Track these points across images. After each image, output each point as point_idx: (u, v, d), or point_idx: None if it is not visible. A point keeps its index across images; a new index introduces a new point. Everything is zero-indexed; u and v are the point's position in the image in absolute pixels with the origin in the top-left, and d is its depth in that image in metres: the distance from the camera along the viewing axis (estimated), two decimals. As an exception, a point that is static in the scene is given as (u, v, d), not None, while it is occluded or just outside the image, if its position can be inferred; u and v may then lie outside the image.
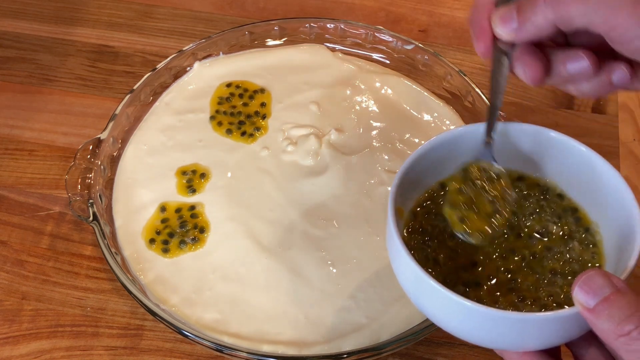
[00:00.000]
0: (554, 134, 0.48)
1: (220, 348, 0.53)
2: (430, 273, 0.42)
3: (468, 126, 0.50)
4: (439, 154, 0.49)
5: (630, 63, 0.44)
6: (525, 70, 0.45)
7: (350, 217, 0.61)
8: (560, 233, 0.48)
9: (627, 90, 0.46)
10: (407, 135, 0.67)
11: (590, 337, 0.42)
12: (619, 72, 0.44)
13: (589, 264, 0.47)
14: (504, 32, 0.44)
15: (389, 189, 0.62)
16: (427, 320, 0.54)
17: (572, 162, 0.48)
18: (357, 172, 0.64)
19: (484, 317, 0.41)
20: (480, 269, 0.47)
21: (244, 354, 0.53)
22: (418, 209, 0.49)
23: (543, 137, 0.48)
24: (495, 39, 0.45)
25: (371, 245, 0.59)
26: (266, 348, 0.54)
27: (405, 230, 0.48)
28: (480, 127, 0.48)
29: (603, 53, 0.44)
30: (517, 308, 0.45)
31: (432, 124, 0.68)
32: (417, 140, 0.66)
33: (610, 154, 0.70)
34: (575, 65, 0.45)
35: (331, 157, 0.65)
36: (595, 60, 0.44)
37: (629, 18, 0.41)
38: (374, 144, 0.66)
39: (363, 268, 0.58)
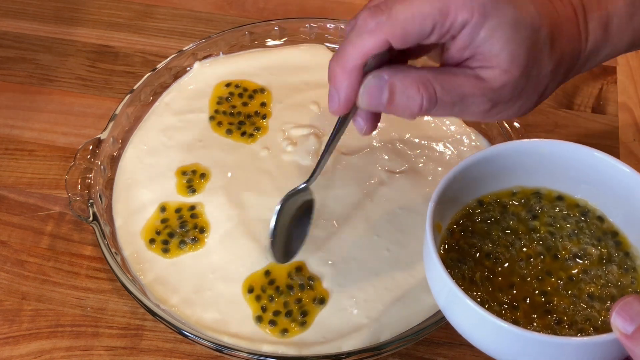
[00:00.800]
0: (597, 154, 0.48)
1: (220, 348, 0.53)
2: (466, 292, 0.42)
3: (508, 144, 0.49)
4: (479, 171, 0.48)
5: None
6: (363, 126, 0.49)
7: (350, 217, 0.61)
8: (599, 255, 0.48)
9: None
10: (407, 135, 0.67)
11: None
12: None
13: (629, 289, 0.46)
14: (369, 108, 0.45)
15: (390, 189, 0.63)
16: (427, 320, 0.54)
17: (613, 183, 0.48)
18: (357, 172, 0.64)
19: (520, 339, 0.40)
20: (515, 291, 0.46)
21: (244, 354, 0.52)
22: (455, 226, 0.49)
23: (583, 156, 0.48)
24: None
25: (371, 245, 0.59)
26: (266, 348, 0.54)
27: (441, 248, 0.48)
28: (521, 145, 0.49)
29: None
30: (553, 331, 0.44)
31: (432, 124, 0.68)
32: (417, 141, 0.66)
33: (610, 154, 0.70)
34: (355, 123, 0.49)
35: (331, 157, 0.65)
36: (370, 123, 0.48)
37: None
38: (374, 144, 0.66)
39: (363, 268, 0.58)
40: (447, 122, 0.68)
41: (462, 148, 0.66)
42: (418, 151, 0.66)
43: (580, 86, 0.77)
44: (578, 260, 0.48)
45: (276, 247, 0.55)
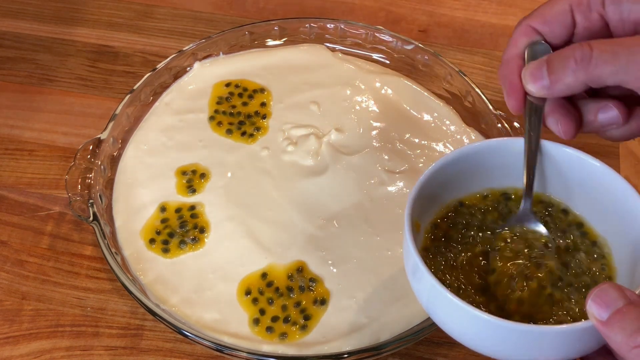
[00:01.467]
0: (565, 148, 0.48)
1: (220, 348, 0.53)
2: (447, 284, 0.42)
3: (489, 141, 0.50)
4: (459, 167, 0.49)
5: None
6: (558, 125, 0.47)
7: (350, 217, 0.61)
8: (565, 247, 0.48)
9: None
10: (407, 136, 0.67)
11: (605, 352, 0.42)
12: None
13: (602, 276, 0.46)
14: (535, 89, 0.45)
15: (390, 189, 0.63)
16: (427, 320, 0.54)
17: (580, 176, 0.48)
18: (357, 172, 0.64)
19: (500, 330, 0.41)
20: (495, 284, 0.46)
21: (244, 354, 0.53)
22: (438, 221, 0.50)
23: (549, 149, 0.48)
24: (526, 94, 0.46)
25: (371, 245, 0.59)
26: (266, 348, 0.54)
27: (425, 245, 0.48)
28: (503, 143, 0.49)
29: (631, 100, 0.46)
30: (533, 321, 0.45)
31: (432, 124, 0.68)
32: (417, 141, 0.67)
33: (610, 154, 0.70)
34: (606, 115, 0.46)
35: (331, 157, 0.65)
36: (624, 110, 0.46)
37: None
38: (374, 144, 0.66)
39: (363, 268, 0.58)
40: (447, 122, 0.68)
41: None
42: (418, 151, 0.66)
43: (580, 86, 0.77)
44: (545, 252, 0.48)
45: None
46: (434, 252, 0.48)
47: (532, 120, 0.47)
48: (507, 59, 0.48)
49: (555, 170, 0.49)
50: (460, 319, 0.42)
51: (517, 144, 0.48)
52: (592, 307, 0.38)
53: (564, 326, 0.40)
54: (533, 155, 0.47)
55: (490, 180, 0.51)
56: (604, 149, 0.71)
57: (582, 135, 0.72)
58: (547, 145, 0.48)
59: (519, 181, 0.48)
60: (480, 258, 0.48)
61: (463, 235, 0.49)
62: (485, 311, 0.42)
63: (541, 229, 0.48)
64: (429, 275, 0.42)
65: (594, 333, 0.39)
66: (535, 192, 0.50)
